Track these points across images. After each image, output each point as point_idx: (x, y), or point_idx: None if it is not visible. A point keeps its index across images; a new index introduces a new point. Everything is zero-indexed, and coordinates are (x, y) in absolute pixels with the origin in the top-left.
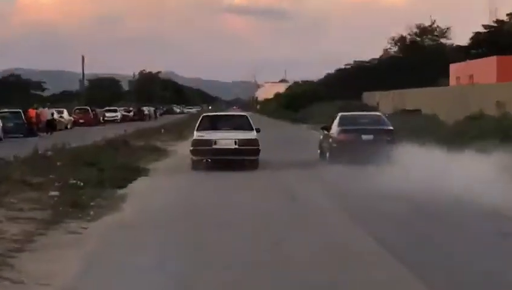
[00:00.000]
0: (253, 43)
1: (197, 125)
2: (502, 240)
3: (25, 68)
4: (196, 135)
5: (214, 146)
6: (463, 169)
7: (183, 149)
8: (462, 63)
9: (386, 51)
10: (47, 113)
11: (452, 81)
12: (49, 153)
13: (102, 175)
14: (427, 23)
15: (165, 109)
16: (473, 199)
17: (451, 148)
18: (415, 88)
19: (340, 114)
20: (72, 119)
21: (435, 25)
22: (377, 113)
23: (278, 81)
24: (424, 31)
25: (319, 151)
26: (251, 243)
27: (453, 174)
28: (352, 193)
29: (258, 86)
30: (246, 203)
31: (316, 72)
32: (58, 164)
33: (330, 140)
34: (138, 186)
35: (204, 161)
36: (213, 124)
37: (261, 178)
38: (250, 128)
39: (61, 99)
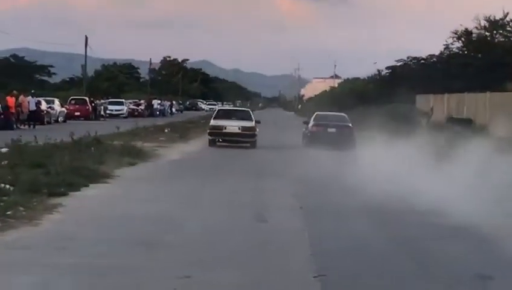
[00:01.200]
0: (303, 32)
1: (213, 115)
2: None
3: (32, 48)
4: (212, 122)
5: (224, 130)
6: None
7: (174, 153)
8: None
9: (447, 46)
10: (30, 102)
11: None
12: (2, 150)
13: (45, 179)
14: (498, 16)
15: (188, 103)
16: None
17: None
18: (476, 93)
19: (315, 113)
20: (65, 111)
21: (508, 19)
22: (342, 114)
23: (328, 77)
24: (494, 24)
25: (302, 139)
26: None
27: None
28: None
29: (300, 82)
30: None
31: (369, 67)
32: (2, 163)
33: (307, 131)
34: (83, 195)
35: (217, 140)
36: (225, 115)
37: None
38: (250, 119)
39: (71, 86)
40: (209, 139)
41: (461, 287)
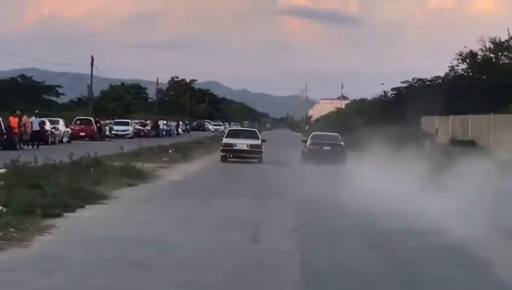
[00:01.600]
0: (312, 52)
1: (225, 134)
2: None
3: (41, 69)
4: (224, 140)
5: (234, 147)
6: None
7: (176, 173)
8: None
9: (452, 68)
10: (34, 122)
11: None
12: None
13: (40, 200)
14: (503, 38)
15: (195, 124)
16: None
17: None
18: (480, 114)
19: (312, 133)
20: (70, 131)
21: None
22: (335, 134)
23: (335, 98)
24: (499, 46)
25: (301, 155)
26: None
27: None
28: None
29: (307, 103)
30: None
31: (377, 88)
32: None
33: (305, 148)
34: (78, 216)
35: (228, 156)
36: (235, 134)
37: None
38: (257, 137)
39: (79, 106)
40: (221, 155)
41: None
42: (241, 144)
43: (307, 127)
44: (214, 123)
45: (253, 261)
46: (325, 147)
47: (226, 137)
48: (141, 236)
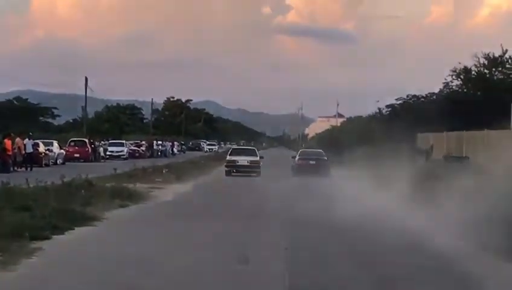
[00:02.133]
0: (308, 71)
1: (229, 152)
2: None
3: (37, 90)
4: (228, 157)
5: (237, 163)
6: None
7: (168, 194)
8: None
9: (446, 84)
10: (27, 144)
11: None
12: None
13: (29, 222)
14: (497, 53)
15: (191, 144)
16: None
17: None
18: (475, 130)
19: (300, 150)
20: (64, 153)
21: (507, 56)
22: (320, 150)
23: (332, 115)
24: (493, 62)
25: (291, 169)
26: None
27: None
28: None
29: (304, 121)
30: None
31: (373, 106)
32: None
33: (294, 163)
34: (67, 238)
35: (231, 171)
36: (237, 152)
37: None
38: (256, 155)
39: (74, 128)
40: (226, 170)
41: None
42: (243, 160)
43: (303, 145)
44: (208, 143)
45: (239, 283)
46: (311, 162)
47: (229, 155)
48: (129, 257)
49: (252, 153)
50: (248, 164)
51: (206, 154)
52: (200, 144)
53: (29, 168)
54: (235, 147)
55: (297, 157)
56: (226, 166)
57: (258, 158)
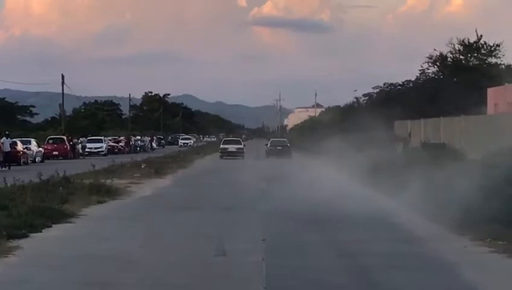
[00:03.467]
0: (285, 62)
1: (221, 142)
2: None
3: (13, 89)
4: (221, 146)
5: (228, 150)
6: None
7: (147, 189)
8: (500, 87)
9: (423, 71)
10: (5, 143)
11: (490, 108)
12: None
13: (6, 221)
14: (472, 39)
15: (170, 138)
16: None
17: None
18: (451, 116)
19: (271, 139)
20: (42, 151)
21: (482, 42)
22: (284, 139)
23: (310, 106)
24: (468, 48)
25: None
26: None
27: None
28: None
29: (282, 112)
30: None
31: (350, 95)
32: None
33: (266, 148)
34: (44, 236)
35: (224, 155)
36: (227, 142)
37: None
38: (241, 144)
39: (52, 126)
40: (220, 155)
41: None
42: (232, 147)
43: (284, 136)
44: (183, 137)
45: (217, 274)
46: (278, 147)
47: (222, 144)
48: (106, 253)
49: (238, 142)
50: (235, 150)
51: (183, 148)
52: (178, 138)
53: (7, 167)
54: (226, 138)
55: (268, 144)
56: (220, 152)
57: (242, 146)
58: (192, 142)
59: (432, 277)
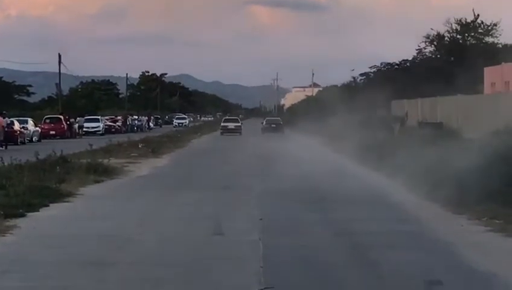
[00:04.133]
0: (282, 41)
1: (222, 120)
2: None
3: (11, 69)
4: (222, 124)
5: (227, 127)
6: None
7: (144, 168)
8: (497, 66)
9: (420, 51)
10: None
11: (487, 87)
12: None
13: (3, 200)
14: (469, 19)
15: (167, 117)
16: None
17: None
18: (448, 96)
19: (266, 118)
20: (39, 130)
21: (479, 21)
22: (278, 117)
23: (307, 85)
24: (466, 27)
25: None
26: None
27: None
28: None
29: (279, 92)
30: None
31: (348, 74)
32: None
33: (262, 126)
34: (41, 215)
35: (224, 132)
36: (227, 120)
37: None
38: (239, 122)
39: (49, 105)
40: (221, 132)
41: None
42: (231, 125)
43: (281, 115)
44: (178, 116)
45: (215, 253)
46: (272, 125)
47: (222, 122)
48: (104, 232)
49: (236, 121)
50: (234, 127)
51: (177, 129)
52: (174, 118)
53: (3, 147)
54: (225, 117)
55: (264, 122)
56: (221, 129)
57: (239, 124)
58: (187, 122)
59: (429, 256)
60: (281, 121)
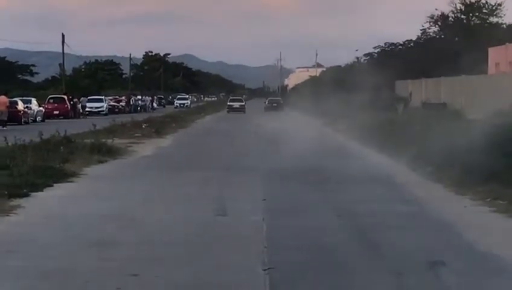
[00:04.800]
0: (286, 22)
1: (228, 100)
2: None
3: (14, 48)
4: (228, 103)
5: (232, 107)
6: None
7: (147, 148)
8: (501, 47)
9: (424, 31)
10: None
11: (491, 67)
12: None
13: (7, 181)
14: None
15: (170, 98)
16: None
17: None
18: (452, 76)
19: (268, 98)
20: (43, 110)
21: (484, 1)
22: (278, 97)
23: (311, 66)
24: (470, 7)
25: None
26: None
27: None
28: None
29: (283, 72)
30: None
31: (352, 55)
32: None
33: (264, 105)
34: (45, 195)
35: (230, 110)
36: (232, 100)
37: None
38: (243, 101)
39: (53, 85)
40: (227, 110)
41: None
42: (236, 104)
43: (284, 95)
44: (179, 97)
45: (218, 234)
46: (273, 104)
47: (228, 102)
48: (107, 213)
49: (240, 100)
50: (239, 106)
51: (179, 109)
52: (186, 98)
53: (4, 126)
54: (231, 97)
55: (266, 102)
56: (227, 108)
57: (243, 103)
58: (189, 102)
59: (432, 236)
60: (281, 100)
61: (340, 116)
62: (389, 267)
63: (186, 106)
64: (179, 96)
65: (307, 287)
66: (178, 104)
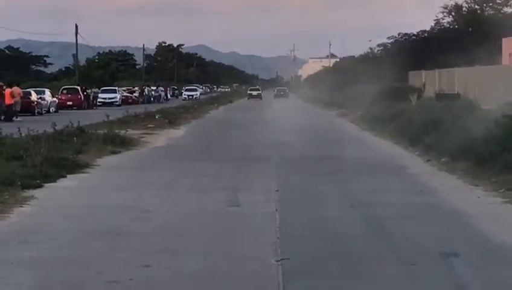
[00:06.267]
0: (300, 12)
1: (248, 89)
2: None
3: (28, 39)
4: (248, 92)
5: (252, 94)
6: None
7: (160, 139)
8: None
9: (437, 21)
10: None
11: (505, 58)
12: None
13: (21, 171)
14: None
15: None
16: None
17: None
18: (466, 67)
19: (276, 88)
20: (57, 101)
21: None
22: (284, 87)
23: (324, 56)
24: None
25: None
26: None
27: None
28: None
29: (296, 63)
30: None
31: (365, 45)
32: None
33: (273, 93)
34: (59, 186)
35: (249, 98)
36: (251, 90)
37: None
38: (260, 90)
39: (67, 76)
40: (247, 98)
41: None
42: (254, 93)
43: (294, 86)
44: (188, 88)
45: (231, 225)
46: (281, 92)
47: (248, 91)
48: (120, 203)
49: (258, 90)
50: (256, 94)
51: (187, 102)
52: (195, 89)
53: (17, 117)
54: (251, 87)
55: (275, 90)
56: (248, 96)
57: (260, 92)
58: (198, 94)
59: (445, 227)
60: (287, 89)
61: (354, 106)
62: (402, 258)
63: (196, 98)
64: (187, 88)
65: (319, 278)
66: (186, 96)
